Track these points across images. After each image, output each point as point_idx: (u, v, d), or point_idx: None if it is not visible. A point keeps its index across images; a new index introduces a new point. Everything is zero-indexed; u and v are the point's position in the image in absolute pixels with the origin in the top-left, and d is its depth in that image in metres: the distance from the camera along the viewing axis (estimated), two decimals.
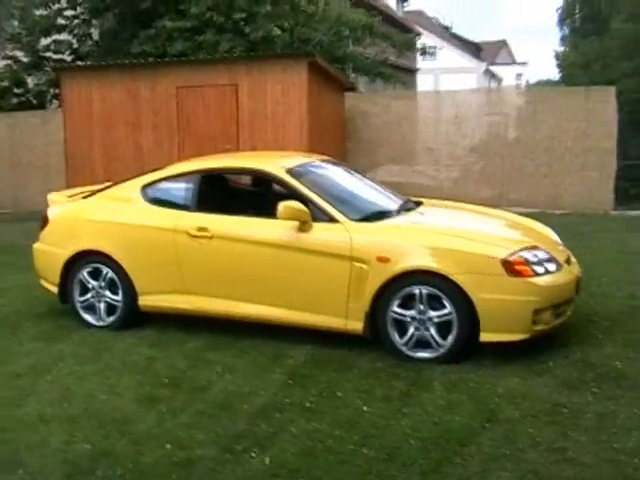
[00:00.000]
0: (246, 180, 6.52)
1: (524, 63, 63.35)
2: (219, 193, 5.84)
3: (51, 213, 6.12)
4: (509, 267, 4.75)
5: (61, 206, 6.21)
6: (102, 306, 5.84)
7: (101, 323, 5.85)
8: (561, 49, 44.90)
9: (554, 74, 49.52)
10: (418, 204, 5.92)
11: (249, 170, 5.96)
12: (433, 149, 12.92)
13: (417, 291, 4.88)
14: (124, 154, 11.39)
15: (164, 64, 11.58)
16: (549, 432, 3.86)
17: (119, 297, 5.76)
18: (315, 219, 5.15)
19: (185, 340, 5.52)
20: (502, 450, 3.68)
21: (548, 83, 50.92)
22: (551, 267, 4.94)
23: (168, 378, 4.79)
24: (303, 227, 5.12)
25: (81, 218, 6.00)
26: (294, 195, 5.30)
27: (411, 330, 4.94)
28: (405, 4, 37.68)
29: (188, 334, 5.60)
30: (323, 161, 6.21)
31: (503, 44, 65.43)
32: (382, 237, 5.07)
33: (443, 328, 4.87)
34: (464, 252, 4.87)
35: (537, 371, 4.72)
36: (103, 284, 5.81)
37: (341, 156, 11.84)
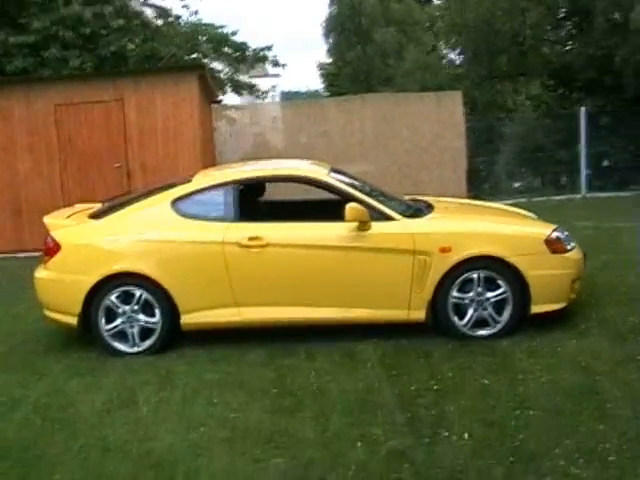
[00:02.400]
0: (281, 187, 6.52)
1: (277, 75, 66.05)
2: (260, 201, 5.83)
3: (61, 238, 5.62)
4: (550, 245, 5.47)
5: (71, 229, 5.74)
6: (135, 331, 5.53)
7: (135, 349, 5.55)
8: (326, 60, 47.70)
9: (316, 84, 52.21)
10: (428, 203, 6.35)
11: (292, 177, 6.00)
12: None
13: (475, 275, 5.39)
14: None
15: (39, 80, 10.75)
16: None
17: (156, 319, 5.51)
18: (371, 219, 5.43)
19: (239, 352, 5.46)
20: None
21: (307, 94, 53.66)
22: (572, 244, 5.73)
23: (277, 388, 4.78)
24: (364, 227, 5.37)
25: (106, 240, 5.61)
26: (344, 198, 5.52)
27: (470, 312, 5.44)
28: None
29: (229, 347, 5.54)
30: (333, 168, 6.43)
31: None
32: (440, 229, 5.51)
33: (499, 306, 5.43)
34: (514, 236, 5.51)
35: (581, 332, 5.47)
36: (136, 307, 5.51)
37: None
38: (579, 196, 13.49)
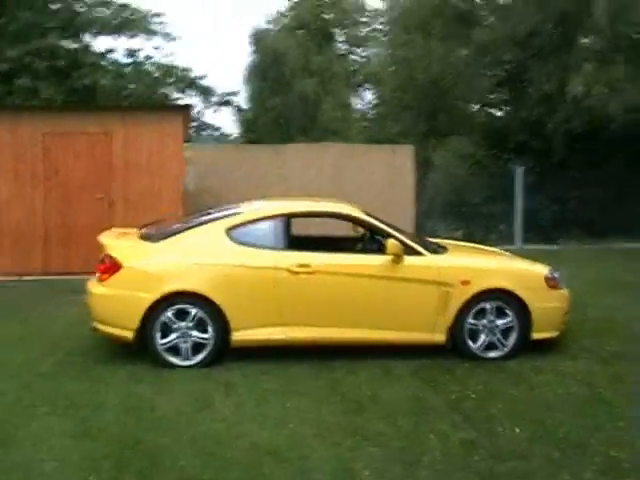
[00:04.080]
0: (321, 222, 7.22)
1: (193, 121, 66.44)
2: (298, 234, 6.54)
3: (121, 257, 6.11)
4: (548, 282, 6.49)
5: (130, 250, 6.25)
6: (188, 346, 6.07)
7: (187, 363, 6.06)
8: (246, 106, 48.64)
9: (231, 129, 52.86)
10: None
11: (337, 214, 6.73)
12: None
13: (488, 305, 6.32)
14: None
15: (28, 108, 11.02)
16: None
17: (208, 335, 6.07)
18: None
19: (283, 367, 6.08)
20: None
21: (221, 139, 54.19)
22: (562, 282, 6.78)
23: (335, 395, 5.46)
24: (398, 260, 6.21)
25: (166, 261, 6.15)
26: (381, 234, 6.37)
27: (482, 336, 6.35)
28: None
29: (268, 362, 6.12)
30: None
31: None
32: (461, 265, 6.43)
33: (506, 332, 6.37)
34: (521, 273, 6.52)
35: (572, 356, 6.49)
36: (191, 324, 6.06)
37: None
38: (515, 247, 14.85)
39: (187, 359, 6.08)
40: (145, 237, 6.45)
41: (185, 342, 6.07)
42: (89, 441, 4.55)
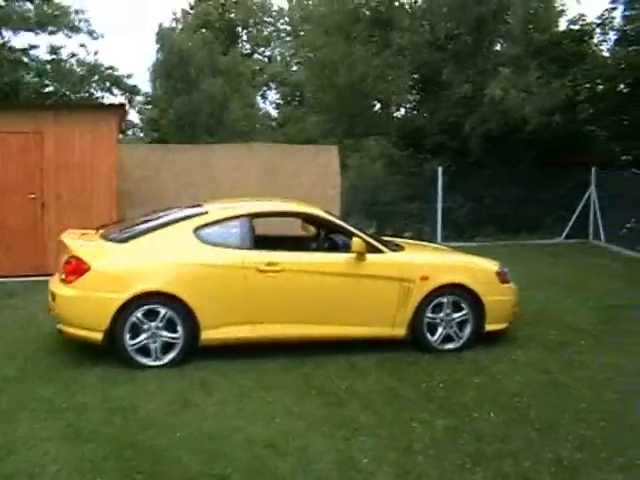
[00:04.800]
0: (285, 221, 7.31)
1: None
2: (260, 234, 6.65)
3: (89, 258, 6.04)
4: (499, 276, 6.91)
5: (97, 251, 6.18)
6: (158, 346, 6.09)
7: (157, 362, 6.07)
8: (148, 107, 47.70)
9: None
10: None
11: (300, 214, 6.89)
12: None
13: (445, 299, 6.67)
14: None
15: None
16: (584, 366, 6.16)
17: (178, 334, 6.11)
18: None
19: (254, 364, 6.20)
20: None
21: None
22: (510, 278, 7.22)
23: (312, 389, 5.64)
24: (360, 258, 6.45)
25: (135, 261, 6.12)
26: (341, 233, 6.59)
27: (440, 329, 6.69)
28: None
29: (236, 361, 6.23)
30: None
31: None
32: (420, 261, 6.75)
33: (461, 325, 6.74)
34: (474, 268, 6.90)
35: (520, 346, 6.93)
36: (160, 324, 6.08)
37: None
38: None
39: (157, 359, 6.09)
40: (109, 238, 6.39)
41: (155, 342, 6.08)
42: (84, 443, 4.53)
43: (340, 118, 17.89)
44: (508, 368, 6.24)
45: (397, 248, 6.90)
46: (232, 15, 38.66)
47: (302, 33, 37.54)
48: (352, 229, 6.64)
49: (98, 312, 5.99)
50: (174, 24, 33.09)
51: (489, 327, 6.82)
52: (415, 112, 16.78)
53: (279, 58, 41.49)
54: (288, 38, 41.19)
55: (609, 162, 16.00)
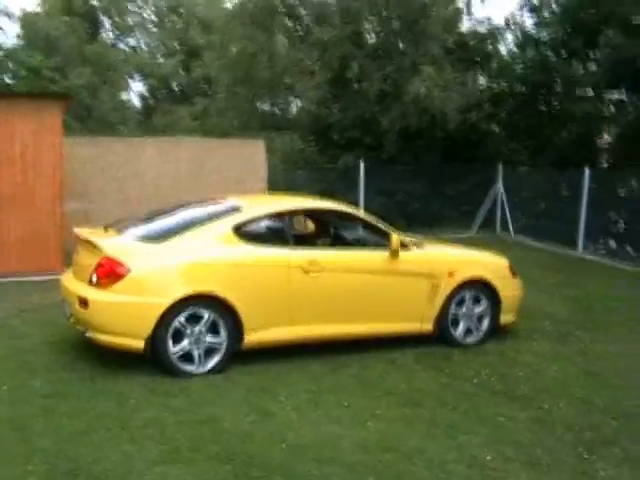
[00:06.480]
0: (317, 218, 7.08)
1: None
2: (307, 230, 6.49)
3: (126, 260, 5.61)
4: (511, 270, 7.18)
5: (134, 252, 5.74)
6: (201, 352, 5.78)
7: (201, 370, 5.75)
8: None
9: None
10: None
11: (334, 211, 6.75)
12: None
13: (467, 294, 6.85)
14: None
15: None
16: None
17: (221, 339, 5.83)
18: None
19: (298, 367, 6.04)
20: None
21: None
22: None
23: (377, 390, 5.61)
24: (394, 255, 6.46)
25: (177, 262, 5.75)
26: (372, 230, 6.59)
27: (462, 323, 6.86)
28: None
29: (272, 366, 6.07)
30: None
31: None
32: (447, 257, 6.87)
33: (479, 319, 6.94)
34: (492, 263, 7.11)
35: (527, 338, 7.24)
36: (204, 329, 5.78)
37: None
38: None
39: (201, 366, 5.77)
40: (141, 237, 5.98)
41: (198, 348, 5.76)
42: (196, 463, 4.21)
43: (256, 112, 17.67)
44: (536, 360, 6.51)
45: (420, 244, 6.96)
46: (94, 2, 36.73)
47: (169, 23, 36.74)
48: (386, 227, 6.63)
49: (140, 318, 5.58)
50: (38, 9, 31.03)
51: (503, 320, 7.08)
52: (328, 108, 16.87)
53: (145, 48, 40.13)
54: (154, 29, 39.96)
55: (509, 159, 16.99)
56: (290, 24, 17.14)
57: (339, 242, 6.83)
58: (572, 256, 13.25)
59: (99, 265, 5.66)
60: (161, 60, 37.95)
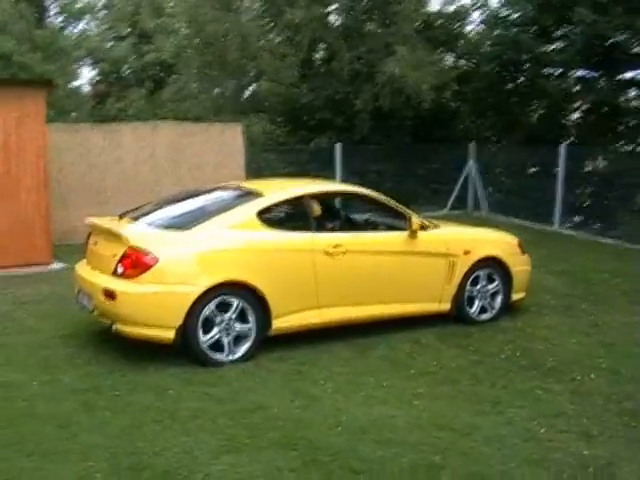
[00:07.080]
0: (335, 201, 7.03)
1: None
2: (327, 213, 6.45)
3: (154, 250, 5.50)
4: (520, 248, 7.31)
5: (161, 241, 5.63)
6: (231, 340, 5.73)
7: (230, 357, 5.70)
8: None
9: None
10: None
11: (354, 194, 6.75)
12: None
13: (481, 273, 6.94)
14: None
15: None
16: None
17: (250, 325, 5.79)
18: None
19: (323, 352, 6.04)
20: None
21: None
22: None
23: (411, 369, 5.67)
24: (413, 236, 6.51)
25: (206, 250, 5.67)
26: (390, 212, 6.61)
27: (477, 302, 6.96)
28: None
29: (300, 349, 6.06)
30: None
31: None
32: (462, 236, 6.96)
33: (493, 296, 7.06)
34: (503, 241, 7.23)
35: (538, 313, 7.38)
36: (233, 316, 5.72)
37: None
38: None
39: (231, 353, 5.72)
40: (166, 225, 5.88)
41: (227, 336, 5.70)
42: (257, 452, 4.16)
43: (225, 96, 17.43)
44: (552, 334, 6.66)
45: (435, 224, 7.00)
46: None
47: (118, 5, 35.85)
48: (406, 210, 6.65)
49: (171, 308, 5.49)
50: None
51: (514, 297, 7.20)
52: (298, 89, 16.74)
53: (95, 32, 39.14)
54: (104, 11, 38.97)
55: (478, 137, 17.18)
56: (260, 5, 16.93)
57: (359, 225, 6.84)
58: (548, 231, 13.48)
59: (125, 255, 5.54)
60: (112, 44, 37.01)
